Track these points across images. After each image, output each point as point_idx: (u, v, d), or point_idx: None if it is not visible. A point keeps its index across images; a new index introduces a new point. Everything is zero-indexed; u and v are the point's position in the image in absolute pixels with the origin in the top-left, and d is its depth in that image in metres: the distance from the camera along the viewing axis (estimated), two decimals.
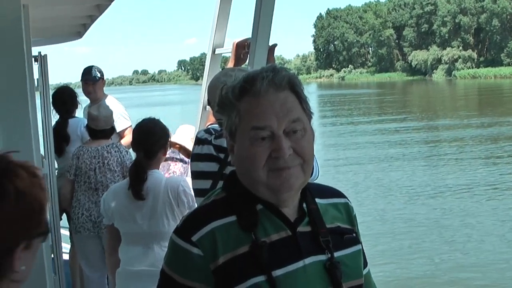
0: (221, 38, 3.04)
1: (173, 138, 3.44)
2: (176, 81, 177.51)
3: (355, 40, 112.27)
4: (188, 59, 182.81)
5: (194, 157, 2.23)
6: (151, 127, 2.81)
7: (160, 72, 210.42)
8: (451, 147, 16.82)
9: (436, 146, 17.48)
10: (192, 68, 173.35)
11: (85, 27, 4.73)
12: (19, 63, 2.51)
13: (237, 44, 2.70)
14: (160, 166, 3.11)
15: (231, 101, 1.16)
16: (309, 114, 1.18)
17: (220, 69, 3.03)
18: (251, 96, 1.13)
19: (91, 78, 4.44)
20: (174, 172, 3.39)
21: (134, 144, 2.82)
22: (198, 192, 2.20)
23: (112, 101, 4.51)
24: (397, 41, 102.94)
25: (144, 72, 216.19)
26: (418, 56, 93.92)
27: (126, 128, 4.37)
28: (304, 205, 1.20)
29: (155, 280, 2.99)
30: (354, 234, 1.25)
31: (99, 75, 4.47)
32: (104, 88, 4.64)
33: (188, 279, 1.13)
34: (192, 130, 3.41)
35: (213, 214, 1.15)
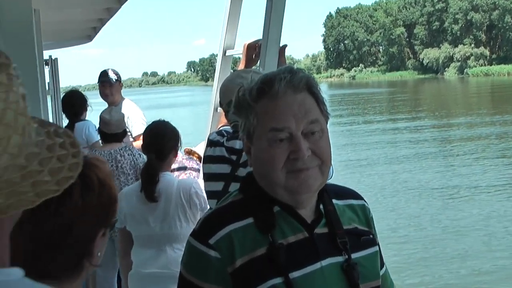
0: (231, 40, 3.05)
1: (195, 150, 3.50)
2: (186, 83, 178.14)
3: (366, 39, 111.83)
4: (197, 60, 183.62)
5: (206, 159, 2.23)
6: (162, 129, 2.83)
7: (169, 73, 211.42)
8: (477, 146, 16.16)
9: (460, 145, 16.76)
10: (201, 69, 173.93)
11: (95, 30, 4.76)
12: (31, 67, 2.53)
13: (248, 45, 2.71)
14: (177, 172, 3.12)
15: (249, 102, 1.16)
16: (326, 116, 1.18)
17: (231, 71, 3.04)
18: (269, 98, 1.14)
19: (108, 80, 4.47)
20: (191, 173, 3.41)
21: (145, 146, 2.84)
22: (210, 194, 2.21)
23: (130, 105, 4.53)
24: (407, 39, 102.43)
25: (154, 74, 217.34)
26: (429, 54, 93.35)
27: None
28: (321, 206, 1.20)
29: (167, 282, 2.97)
30: (371, 236, 1.25)
31: (115, 77, 4.49)
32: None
33: (206, 282, 1.14)
34: None
35: (230, 217, 1.16)
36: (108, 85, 4.47)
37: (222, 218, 1.17)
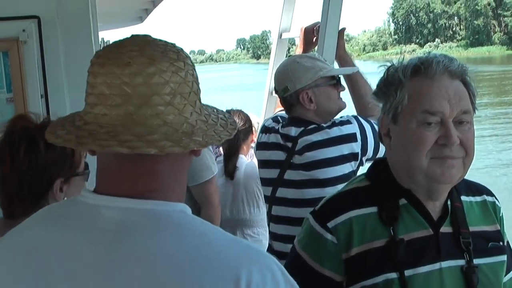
0: (287, 22, 3.20)
1: None
2: (236, 60, 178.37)
3: (443, 11, 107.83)
4: (247, 37, 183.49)
5: (261, 145, 2.40)
6: None
7: (218, 51, 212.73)
8: None
9: None
10: (252, 47, 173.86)
11: (146, 12, 5.06)
12: (88, 51, 2.83)
13: (305, 29, 2.81)
14: None
15: (401, 79, 1.21)
16: (474, 110, 1.22)
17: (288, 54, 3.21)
18: (424, 78, 1.20)
19: None
20: None
21: None
22: (266, 181, 2.38)
23: None
24: (495, 10, 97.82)
25: (201, 52, 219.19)
26: None
27: None
28: (449, 202, 1.25)
29: None
30: (501, 243, 1.29)
31: None
32: None
33: (318, 263, 1.22)
34: None
35: (352, 202, 1.24)
36: None
37: (345, 203, 1.25)
